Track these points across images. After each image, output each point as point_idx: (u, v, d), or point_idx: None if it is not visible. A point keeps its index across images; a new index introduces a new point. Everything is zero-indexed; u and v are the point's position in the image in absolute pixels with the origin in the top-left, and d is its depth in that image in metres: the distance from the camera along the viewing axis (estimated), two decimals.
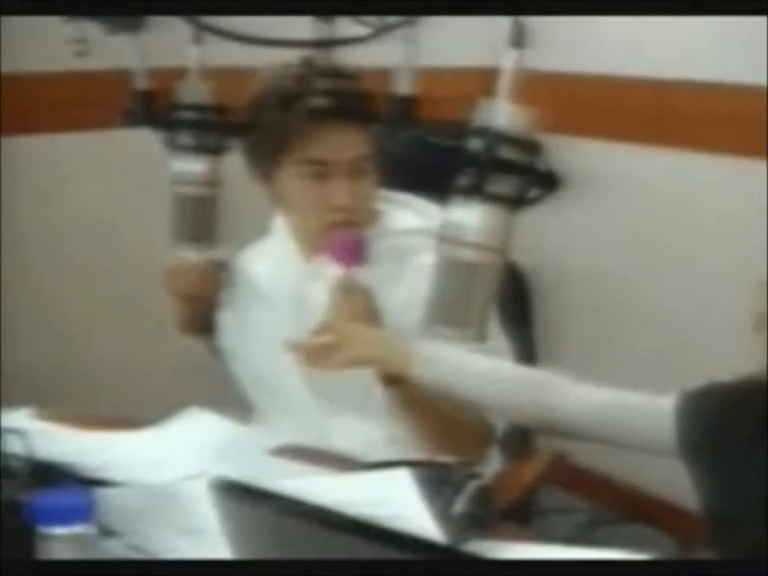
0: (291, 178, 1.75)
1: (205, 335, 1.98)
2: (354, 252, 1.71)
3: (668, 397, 1.40)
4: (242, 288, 1.92)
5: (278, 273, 1.88)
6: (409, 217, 1.84)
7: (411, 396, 1.61)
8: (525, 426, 1.66)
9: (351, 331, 1.61)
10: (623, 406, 1.45)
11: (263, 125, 1.74)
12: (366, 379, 1.67)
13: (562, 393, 1.48)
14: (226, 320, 1.92)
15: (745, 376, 1.35)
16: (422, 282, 1.41)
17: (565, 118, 2.25)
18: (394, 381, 1.58)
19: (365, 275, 1.76)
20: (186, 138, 1.74)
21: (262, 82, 1.78)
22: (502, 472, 1.74)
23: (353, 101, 1.72)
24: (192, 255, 1.84)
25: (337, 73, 1.75)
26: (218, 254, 1.87)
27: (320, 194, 1.73)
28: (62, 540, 1.08)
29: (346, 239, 1.72)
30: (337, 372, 1.59)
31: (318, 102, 1.70)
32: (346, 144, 1.72)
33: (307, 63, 1.76)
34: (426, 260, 1.32)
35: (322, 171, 1.72)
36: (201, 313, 1.93)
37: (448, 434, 1.67)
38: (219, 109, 1.76)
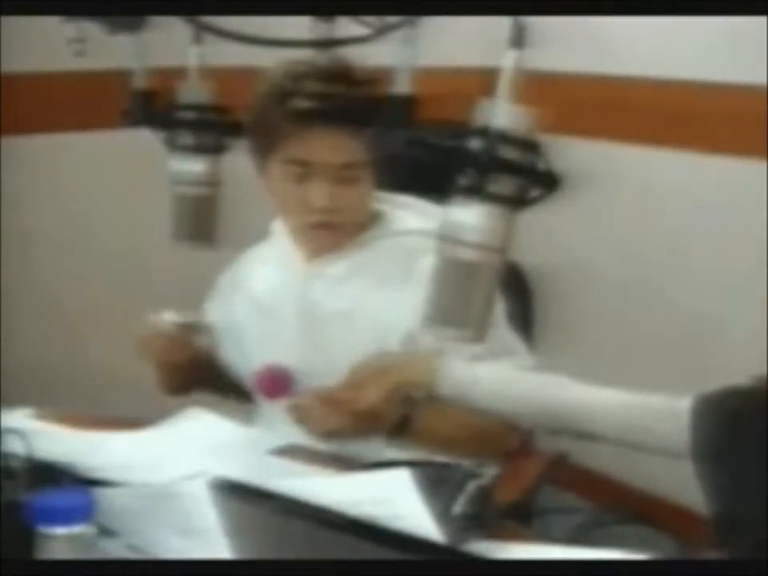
0: (277, 176, 1.77)
1: (194, 392, 1.97)
2: (279, 387, 1.75)
3: (684, 399, 1.40)
4: (242, 293, 1.93)
5: (279, 275, 1.88)
6: (411, 217, 1.85)
7: (418, 436, 1.62)
8: (546, 431, 1.68)
9: (374, 362, 1.62)
10: (641, 407, 1.45)
11: (256, 121, 1.76)
12: None
13: (581, 395, 1.49)
14: (224, 326, 1.93)
15: (761, 378, 1.35)
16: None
17: (565, 117, 2.25)
18: (397, 432, 1.60)
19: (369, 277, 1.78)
20: (186, 138, 1.74)
21: (263, 79, 1.79)
22: (502, 472, 1.75)
23: (343, 106, 1.71)
24: (165, 322, 1.82)
25: (333, 76, 1.74)
26: (191, 316, 1.85)
27: (300, 194, 1.75)
28: (61, 540, 1.07)
29: (271, 376, 1.75)
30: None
31: (303, 103, 1.70)
32: (332, 148, 1.72)
33: (309, 63, 1.76)
34: (431, 262, 1.32)
35: (304, 172, 1.73)
36: (183, 376, 1.90)
37: (468, 447, 1.68)
38: (219, 109, 1.75)
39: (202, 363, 1.90)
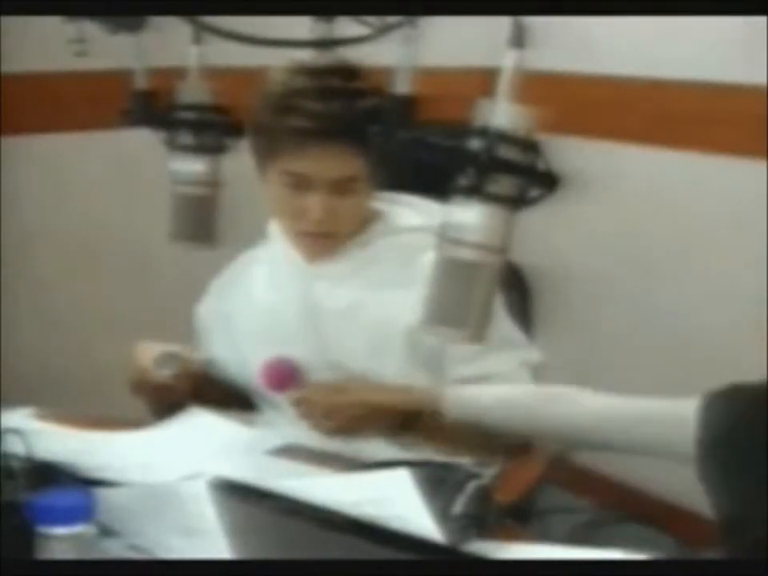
0: (274, 182, 1.77)
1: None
2: (286, 379, 1.74)
3: (689, 401, 1.40)
4: (239, 294, 1.93)
5: (280, 276, 1.88)
6: (411, 215, 1.85)
7: (425, 432, 1.63)
8: (556, 446, 1.70)
9: (367, 386, 1.66)
10: (646, 414, 1.46)
11: (255, 132, 1.76)
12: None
13: (584, 404, 1.50)
14: (219, 327, 1.93)
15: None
16: None
17: (565, 117, 2.25)
18: (408, 424, 1.61)
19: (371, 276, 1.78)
20: (186, 138, 1.74)
21: (264, 85, 1.79)
22: (502, 472, 1.75)
23: (341, 124, 1.71)
24: (147, 358, 1.79)
25: (333, 92, 1.73)
26: (171, 349, 1.82)
27: (297, 204, 1.76)
28: (61, 540, 1.08)
29: (278, 368, 1.75)
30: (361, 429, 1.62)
31: (301, 122, 1.70)
32: (329, 162, 1.73)
33: (309, 74, 1.75)
34: (432, 259, 1.33)
35: (301, 183, 1.74)
36: (173, 402, 1.83)
37: (475, 442, 1.69)
38: (219, 109, 1.76)
39: (191, 387, 1.84)
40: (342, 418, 1.61)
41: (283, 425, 1.79)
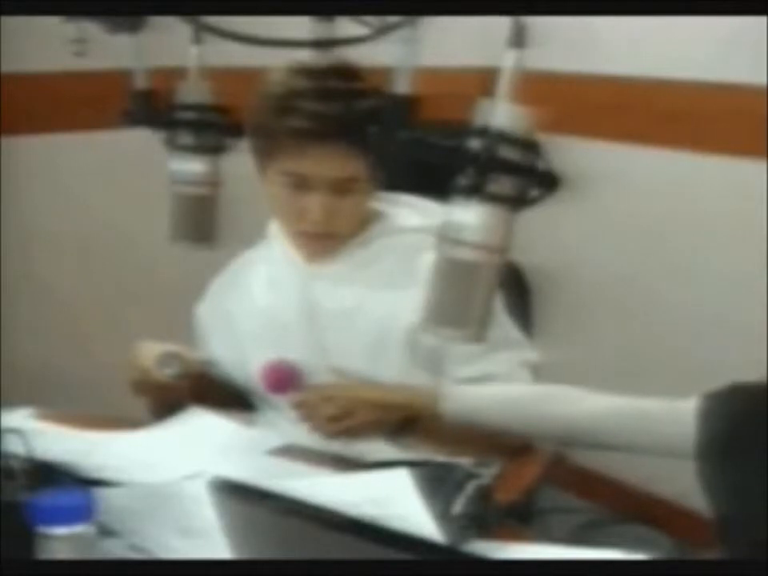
0: (274, 183, 1.78)
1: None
2: (285, 382, 1.76)
3: (687, 400, 1.41)
4: (239, 294, 1.93)
5: (280, 276, 1.88)
6: (412, 215, 1.85)
7: (425, 434, 1.63)
8: (553, 443, 1.70)
9: (367, 385, 1.67)
10: (643, 413, 1.46)
11: (255, 132, 1.76)
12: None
13: (582, 403, 1.51)
14: (219, 327, 1.93)
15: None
16: None
17: (565, 117, 2.25)
18: (407, 425, 1.61)
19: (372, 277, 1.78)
20: (186, 138, 1.74)
21: (264, 85, 1.79)
22: (502, 472, 1.75)
23: (340, 125, 1.70)
24: (156, 366, 1.79)
25: (332, 93, 1.73)
26: (172, 349, 1.81)
27: (296, 205, 1.76)
28: (62, 540, 1.08)
29: (278, 371, 1.77)
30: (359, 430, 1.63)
31: (301, 122, 1.70)
32: (328, 163, 1.73)
33: (309, 74, 1.75)
34: (432, 259, 1.33)
35: (301, 183, 1.74)
36: (174, 403, 1.83)
37: (476, 444, 1.69)
38: (219, 109, 1.76)
39: (191, 387, 1.85)
40: (341, 417, 1.62)
41: (283, 425, 1.79)
